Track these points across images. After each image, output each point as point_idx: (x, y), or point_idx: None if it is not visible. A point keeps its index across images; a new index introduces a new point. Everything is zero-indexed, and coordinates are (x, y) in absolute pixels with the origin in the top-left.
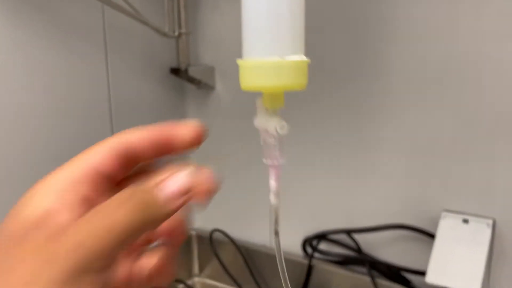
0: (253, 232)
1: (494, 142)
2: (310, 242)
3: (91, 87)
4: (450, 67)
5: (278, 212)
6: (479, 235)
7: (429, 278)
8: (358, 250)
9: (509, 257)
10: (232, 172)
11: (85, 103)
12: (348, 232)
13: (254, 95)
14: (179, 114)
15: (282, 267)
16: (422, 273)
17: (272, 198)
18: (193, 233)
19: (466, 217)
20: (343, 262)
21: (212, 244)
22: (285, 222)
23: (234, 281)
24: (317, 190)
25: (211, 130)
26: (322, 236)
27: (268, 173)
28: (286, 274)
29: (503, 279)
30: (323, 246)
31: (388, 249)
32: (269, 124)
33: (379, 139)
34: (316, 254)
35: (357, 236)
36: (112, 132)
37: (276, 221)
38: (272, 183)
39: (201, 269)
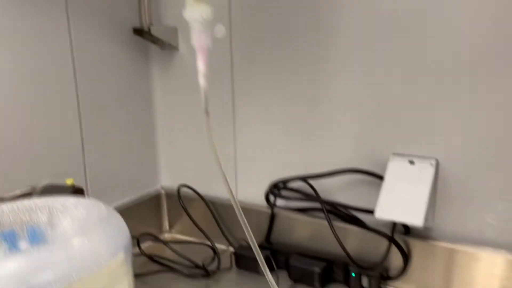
0: (220, 187)
1: (436, 90)
2: (272, 191)
3: (53, 48)
4: (396, 23)
5: (207, 93)
6: (423, 173)
7: (378, 214)
8: (316, 196)
9: (452, 195)
10: (197, 130)
11: (47, 64)
12: (304, 178)
13: (216, 57)
14: (143, 75)
15: (217, 159)
16: (372, 212)
17: (201, 80)
18: (162, 191)
19: (412, 158)
20: (303, 209)
21: (180, 199)
22: (248, 176)
23: (204, 235)
24: (276, 145)
25: (176, 90)
26: (281, 184)
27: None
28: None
29: (446, 215)
30: (284, 194)
31: (343, 193)
32: (195, 11)
33: (331, 90)
34: (279, 203)
35: (314, 184)
36: (77, 93)
37: (206, 101)
38: (200, 65)
39: (171, 225)
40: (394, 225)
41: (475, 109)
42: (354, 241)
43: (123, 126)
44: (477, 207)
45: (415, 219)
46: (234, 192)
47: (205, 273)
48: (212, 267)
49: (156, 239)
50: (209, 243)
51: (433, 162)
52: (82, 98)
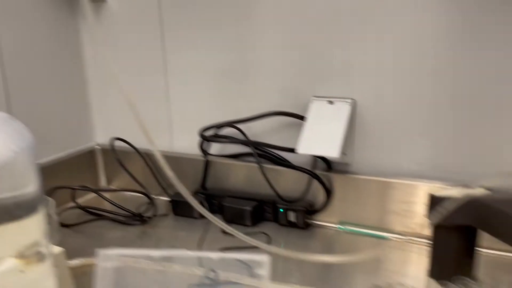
0: (156, 139)
1: (350, 33)
2: (203, 137)
3: None
4: None
5: None
6: (340, 111)
7: (299, 150)
8: (245, 139)
9: (368, 132)
10: (130, 82)
11: None
12: (231, 123)
13: (146, 8)
14: (71, 28)
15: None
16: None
17: None
18: (97, 147)
19: (331, 99)
20: (236, 155)
21: (114, 152)
22: (183, 126)
23: (139, 184)
24: (208, 94)
25: (106, 43)
26: (212, 132)
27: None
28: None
29: (365, 151)
30: (217, 144)
31: (271, 136)
32: None
33: (257, 38)
34: (214, 150)
35: (245, 130)
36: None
37: None
38: None
39: (109, 181)
40: (314, 160)
41: (382, 49)
42: (284, 181)
43: (51, 81)
44: (391, 142)
45: (332, 152)
46: (170, 143)
47: (141, 220)
48: (149, 214)
49: (91, 190)
50: (145, 192)
51: (350, 101)
52: (5, 49)
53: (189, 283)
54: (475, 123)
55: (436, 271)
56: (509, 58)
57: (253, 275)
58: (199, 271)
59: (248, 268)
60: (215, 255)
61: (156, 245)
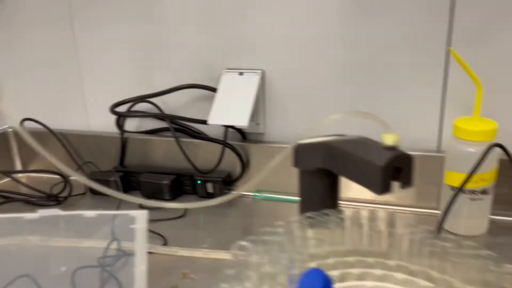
0: (70, 118)
1: (258, 6)
2: (116, 113)
3: None
4: None
5: None
6: (250, 82)
7: (210, 121)
8: (161, 114)
9: (278, 100)
10: (37, 60)
11: None
12: (143, 98)
13: None
14: None
15: None
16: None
17: None
18: (9, 130)
19: (241, 71)
20: (154, 131)
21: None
22: (98, 104)
23: (57, 168)
24: (121, 70)
25: (11, 23)
26: (126, 107)
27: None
28: None
29: (275, 117)
30: (134, 120)
31: (187, 109)
32: None
33: (169, 12)
34: (132, 127)
35: (160, 105)
36: None
37: None
38: None
39: (25, 164)
40: (225, 129)
41: (288, 21)
42: (201, 153)
43: None
44: (301, 110)
45: (241, 121)
46: (86, 121)
47: (56, 200)
48: (64, 194)
49: (1, 173)
50: (60, 173)
51: (259, 72)
52: None
53: (97, 257)
54: (373, 88)
55: (304, 211)
56: (396, 25)
57: (128, 230)
58: (103, 244)
59: (124, 223)
60: (91, 213)
61: None
